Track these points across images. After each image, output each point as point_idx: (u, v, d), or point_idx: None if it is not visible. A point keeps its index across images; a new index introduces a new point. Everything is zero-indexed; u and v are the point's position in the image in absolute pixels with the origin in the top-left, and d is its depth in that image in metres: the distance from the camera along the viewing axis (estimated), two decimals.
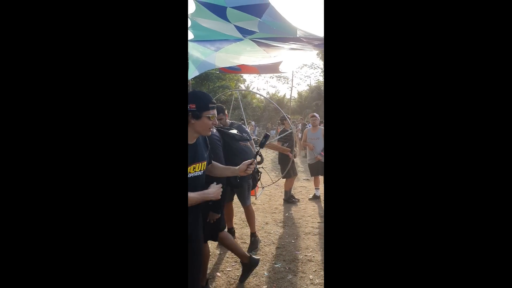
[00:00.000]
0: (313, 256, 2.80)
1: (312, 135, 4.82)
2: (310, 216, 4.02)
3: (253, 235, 3.08)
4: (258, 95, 25.43)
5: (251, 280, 2.40)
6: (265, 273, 2.53)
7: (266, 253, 2.92)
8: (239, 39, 3.83)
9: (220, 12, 3.40)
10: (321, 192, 4.87)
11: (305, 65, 26.61)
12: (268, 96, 27.05)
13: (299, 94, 26.34)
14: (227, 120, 2.85)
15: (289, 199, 4.70)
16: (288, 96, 25.79)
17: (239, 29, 3.66)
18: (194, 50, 3.35)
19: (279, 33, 3.78)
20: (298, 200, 4.78)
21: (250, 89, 22.77)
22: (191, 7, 2.92)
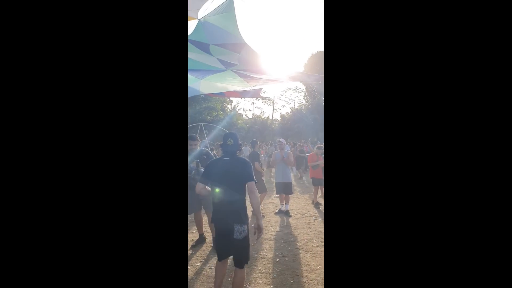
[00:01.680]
0: (266, 255, 3.36)
1: (280, 157, 5.53)
2: (272, 227, 4.59)
3: (201, 235, 3.79)
4: (244, 116, 26.49)
5: (211, 272, 2.93)
6: None
7: None
8: (222, 70, 4.47)
9: (204, 47, 4.05)
10: (290, 207, 5.55)
11: (290, 88, 27.92)
12: (252, 117, 28.00)
13: (282, 116, 27.45)
14: (198, 147, 3.56)
15: None
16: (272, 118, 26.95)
17: (221, 61, 4.33)
18: None
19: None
20: (264, 214, 5.39)
21: (236, 110, 23.69)
22: None
